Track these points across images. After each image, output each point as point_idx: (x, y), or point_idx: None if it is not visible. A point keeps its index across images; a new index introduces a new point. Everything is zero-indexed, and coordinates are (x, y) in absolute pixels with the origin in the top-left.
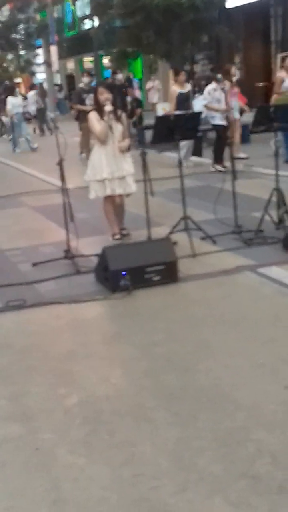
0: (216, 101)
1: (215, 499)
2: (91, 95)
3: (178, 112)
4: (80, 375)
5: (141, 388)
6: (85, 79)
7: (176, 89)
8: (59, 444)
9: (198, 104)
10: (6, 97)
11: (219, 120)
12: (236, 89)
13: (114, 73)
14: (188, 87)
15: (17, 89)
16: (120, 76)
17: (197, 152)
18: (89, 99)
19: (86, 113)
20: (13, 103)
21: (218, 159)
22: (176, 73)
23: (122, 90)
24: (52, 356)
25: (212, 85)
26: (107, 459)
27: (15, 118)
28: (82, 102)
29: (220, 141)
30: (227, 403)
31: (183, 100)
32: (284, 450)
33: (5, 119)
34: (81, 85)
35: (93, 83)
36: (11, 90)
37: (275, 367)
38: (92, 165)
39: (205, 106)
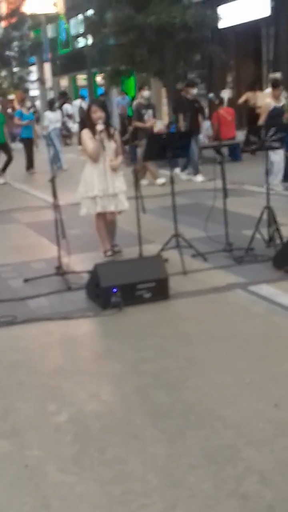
0: None
1: None
2: (150, 111)
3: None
4: (70, 391)
5: (131, 405)
6: (145, 93)
7: (271, 102)
8: (48, 461)
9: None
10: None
11: None
12: None
13: (188, 85)
14: (282, 101)
15: (57, 103)
16: (195, 91)
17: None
18: (148, 115)
19: (144, 131)
20: (50, 118)
21: None
22: (275, 86)
23: (194, 105)
24: (41, 372)
25: None
26: (97, 476)
27: (52, 134)
28: (141, 118)
29: None
30: (215, 421)
31: (276, 115)
32: (272, 469)
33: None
34: (140, 100)
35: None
36: (50, 104)
37: (264, 385)
38: (84, 182)
39: None
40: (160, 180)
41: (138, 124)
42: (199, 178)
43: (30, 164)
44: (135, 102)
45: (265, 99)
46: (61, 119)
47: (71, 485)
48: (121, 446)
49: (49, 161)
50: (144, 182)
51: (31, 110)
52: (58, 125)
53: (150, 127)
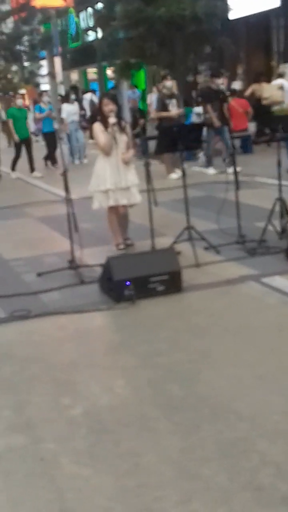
0: None
1: (220, 510)
2: (174, 101)
3: None
4: (84, 385)
5: (144, 398)
6: (168, 83)
7: None
8: (63, 454)
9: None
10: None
11: None
12: None
13: (213, 76)
14: None
15: (72, 96)
16: (220, 81)
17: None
18: (173, 105)
19: (171, 119)
20: (68, 110)
21: None
22: None
23: (220, 96)
24: (55, 366)
25: None
26: (111, 469)
27: (70, 127)
28: (165, 108)
29: None
30: (229, 413)
31: None
32: (287, 461)
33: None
34: (163, 90)
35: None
36: (65, 97)
37: (278, 377)
38: (96, 176)
39: None
40: (174, 175)
41: (163, 113)
42: (211, 170)
43: (53, 159)
44: (152, 95)
45: (272, 91)
46: (79, 111)
47: (86, 478)
48: (135, 439)
49: (61, 155)
50: (174, 175)
51: (49, 105)
52: (76, 117)
53: (175, 115)
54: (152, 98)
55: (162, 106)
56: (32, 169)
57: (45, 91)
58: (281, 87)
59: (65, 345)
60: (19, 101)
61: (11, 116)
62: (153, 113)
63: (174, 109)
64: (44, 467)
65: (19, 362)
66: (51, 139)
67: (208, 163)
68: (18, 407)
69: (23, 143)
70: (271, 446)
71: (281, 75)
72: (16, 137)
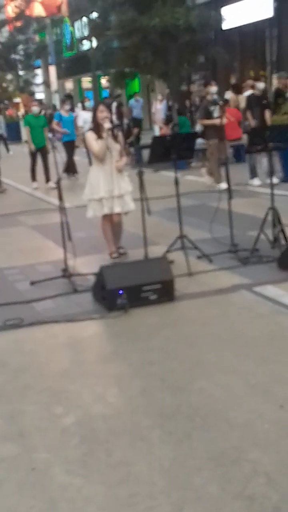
0: None
1: None
2: (218, 107)
3: None
4: (76, 394)
5: (137, 407)
6: (213, 89)
7: None
8: (55, 463)
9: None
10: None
11: None
12: None
13: (256, 79)
14: None
15: (87, 103)
16: (261, 86)
17: None
18: (217, 112)
19: (215, 128)
20: (84, 118)
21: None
22: None
23: (262, 102)
24: (48, 375)
25: None
26: (104, 478)
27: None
28: (209, 115)
29: None
30: (221, 422)
31: None
32: (278, 470)
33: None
34: (207, 96)
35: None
36: (82, 103)
37: (270, 386)
38: (90, 184)
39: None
40: (224, 185)
41: (206, 121)
42: (256, 182)
43: (72, 169)
44: (157, 103)
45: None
46: None
47: (78, 488)
48: (127, 448)
49: (55, 164)
50: (222, 185)
51: (70, 112)
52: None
53: (220, 123)
54: (156, 107)
55: (206, 113)
56: (47, 179)
57: (70, 96)
58: None
59: (58, 353)
60: (35, 109)
61: (27, 124)
62: (198, 121)
63: (217, 116)
64: (36, 476)
65: (12, 371)
66: (70, 148)
67: (252, 174)
68: (10, 416)
69: (39, 152)
70: (262, 455)
71: (252, 87)
72: (32, 146)
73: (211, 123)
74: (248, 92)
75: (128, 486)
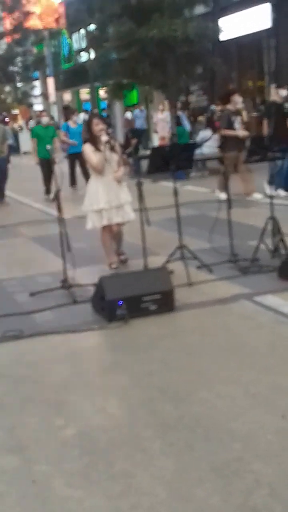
0: None
1: None
2: (239, 118)
3: None
4: (76, 405)
5: (137, 418)
6: (238, 99)
7: None
8: (55, 475)
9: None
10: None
11: None
12: None
13: (279, 87)
14: None
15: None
16: (284, 93)
17: None
18: (238, 123)
19: (236, 140)
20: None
21: None
22: None
23: (283, 110)
24: (48, 386)
25: None
26: (105, 490)
27: None
28: (231, 126)
29: None
30: (222, 433)
31: None
32: (281, 481)
33: None
34: (229, 106)
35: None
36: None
37: (271, 396)
38: (89, 195)
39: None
40: (259, 195)
41: (228, 132)
42: (282, 193)
43: (72, 180)
44: (158, 114)
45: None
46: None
47: (79, 500)
48: (128, 459)
49: (54, 176)
50: (258, 195)
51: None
52: None
53: (243, 136)
54: (158, 117)
55: (228, 123)
56: (47, 190)
57: (68, 107)
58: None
59: (58, 365)
60: (44, 119)
61: (35, 136)
62: (221, 131)
63: (239, 127)
64: (37, 489)
65: (12, 383)
66: (75, 160)
67: (276, 184)
68: (10, 428)
69: (46, 163)
70: (265, 466)
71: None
72: (36, 158)
73: (234, 135)
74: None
75: (129, 498)
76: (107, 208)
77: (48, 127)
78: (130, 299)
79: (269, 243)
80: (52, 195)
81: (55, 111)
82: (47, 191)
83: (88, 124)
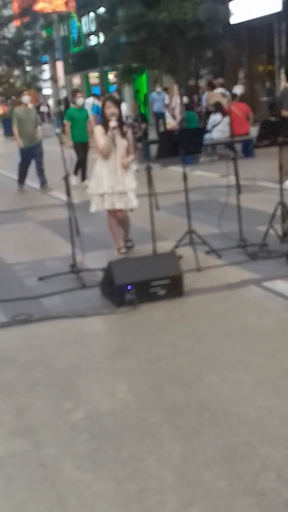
0: None
1: None
2: None
3: None
4: (85, 389)
5: (146, 402)
6: None
7: None
8: (64, 459)
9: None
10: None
11: None
12: None
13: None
14: None
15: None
16: None
17: None
18: None
19: None
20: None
21: None
22: None
23: None
24: (56, 370)
25: None
26: (113, 474)
27: None
28: None
29: None
30: (230, 418)
31: None
32: None
33: None
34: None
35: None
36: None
37: (279, 381)
38: (95, 178)
39: None
40: None
41: None
42: None
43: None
44: (176, 97)
45: (217, 98)
46: None
47: (87, 483)
48: (136, 443)
49: (63, 159)
50: None
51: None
52: None
53: None
54: (177, 101)
55: None
56: (83, 177)
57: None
58: (224, 95)
59: (67, 349)
60: (79, 100)
61: (69, 118)
62: (284, 112)
63: None
64: (45, 472)
65: (21, 367)
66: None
67: None
68: (19, 412)
69: (82, 147)
70: (272, 451)
71: (222, 85)
72: (70, 142)
73: None
74: (220, 90)
75: (137, 481)
76: (110, 193)
77: (81, 109)
78: (139, 284)
79: (278, 229)
80: (86, 181)
81: (64, 95)
82: (83, 178)
83: (102, 106)
